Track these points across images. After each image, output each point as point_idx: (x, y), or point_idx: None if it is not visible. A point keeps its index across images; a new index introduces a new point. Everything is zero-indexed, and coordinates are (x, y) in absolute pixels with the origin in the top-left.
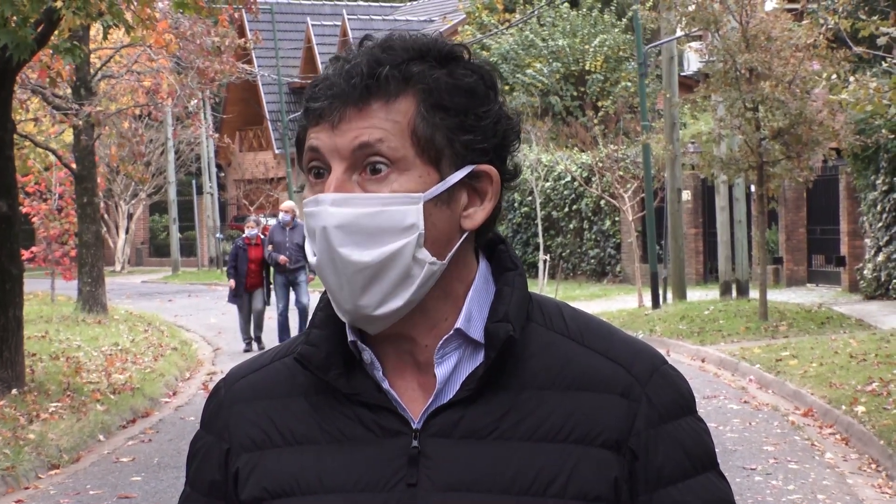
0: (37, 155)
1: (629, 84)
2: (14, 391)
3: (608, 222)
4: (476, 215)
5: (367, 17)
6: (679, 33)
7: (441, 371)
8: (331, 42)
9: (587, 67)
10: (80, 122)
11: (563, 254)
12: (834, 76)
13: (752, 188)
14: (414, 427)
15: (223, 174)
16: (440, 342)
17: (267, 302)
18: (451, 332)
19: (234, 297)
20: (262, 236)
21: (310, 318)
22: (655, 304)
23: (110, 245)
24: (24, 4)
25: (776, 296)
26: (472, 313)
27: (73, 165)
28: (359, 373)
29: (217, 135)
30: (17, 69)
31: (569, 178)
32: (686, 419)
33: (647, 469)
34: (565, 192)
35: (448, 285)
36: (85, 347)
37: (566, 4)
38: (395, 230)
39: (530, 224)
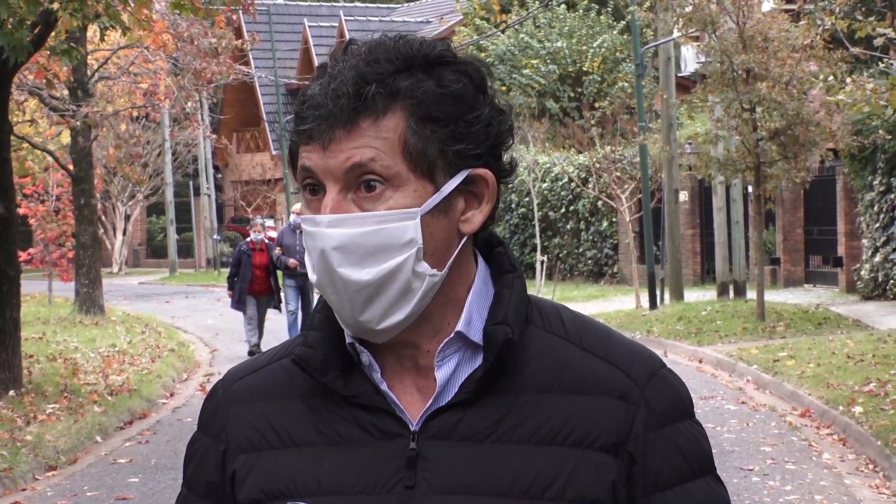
0: (34, 156)
1: (626, 85)
2: (11, 392)
3: (605, 223)
4: (474, 219)
5: (364, 18)
6: (676, 34)
7: (441, 374)
8: (328, 43)
9: (584, 69)
10: (78, 124)
11: (561, 255)
12: (831, 77)
13: (750, 189)
14: (412, 429)
15: (220, 175)
16: (441, 345)
17: (278, 307)
18: (452, 335)
19: (238, 302)
20: (267, 241)
21: None
22: (653, 304)
23: (107, 246)
24: (20, 6)
25: (773, 296)
26: (472, 316)
27: (71, 167)
28: (357, 375)
29: (214, 136)
30: (13, 71)
31: (566, 179)
32: (684, 423)
33: (644, 473)
34: (562, 193)
35: (450, 291)
36: (82, 349)
37: (563, 6)
38: (394, 247)
39: (527, 225)
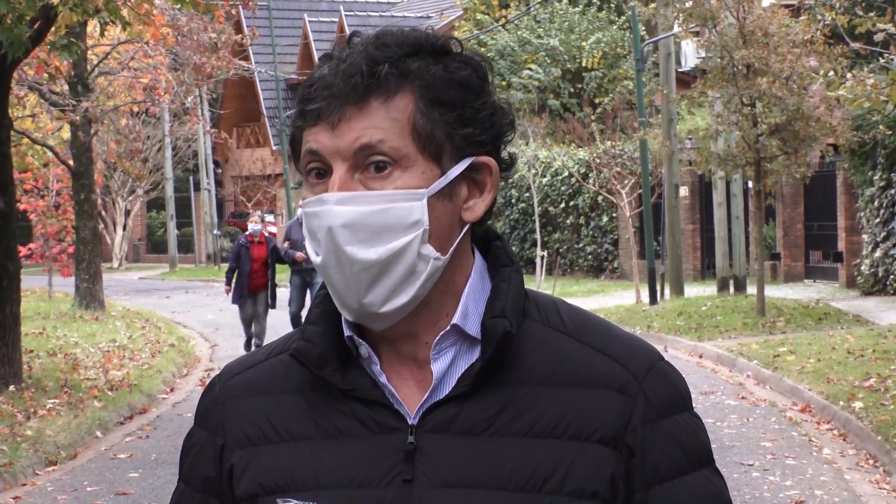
0: (34, 152)
1: (627, 81)
2: (11, 388)
3: (605, 218)
4: (477, 207)
5: (364, 13)
6: (676, 29)
7: (437, 367)
8: (328, 38)
9: (584, 64)
10: (78, 119)
11: (561, 250)
12: (831, 72)
13: (750, 184)
14: (410, 423)
15: (220, 171)
16: (437, 338)
17: (272, 305)
18: (448, 328)
19: (239, 297)
20: (266, 234)
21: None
22: (653, 299)
23: (108, 242)
24: (19, 2)
25: (773, 291)
26: (469, 309)
27: (71, 162)
28: (354, 369)
29: (214, 131)
30: (13, 66)
31: (566, 175)
32: (682, 416)
33: (643, 465)
34: (562, 189)
35: (450, 279)
36: (82, 344)
37: (563, 1)
38: (401, 227)
39: (527, 220)
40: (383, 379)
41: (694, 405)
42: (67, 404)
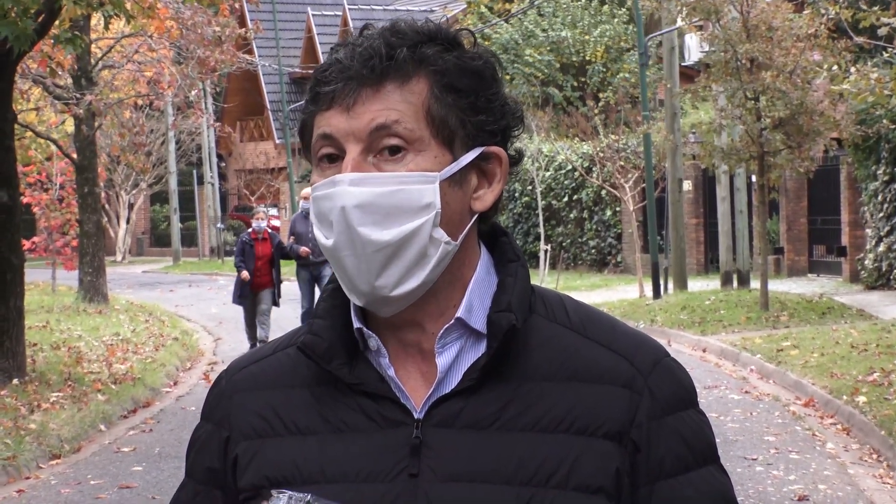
0: (38, 145)
1: (630, 74)
2: (15, 381)
3: (609, 212)
4: (486, 197)
5: (368, 6)
6: (680, 23)
7: (442, 361)
8: (331, 32)
9: (588, 58)
10: (81, 112)
11: (564, 244)
12: (835, 66)
13: (753, 178)
14: (416, 417)
15: (224, 164)
16: (441, 331)
17: (276, 303)
18: (452, 321)
19: (240, 297)
20: (270, 230)
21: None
22: (656, 294)
23: (111, 235)
24: None
25: (777, 286)
26: (473, 303)
27: (74, 155)
28: (361, 363)
29: (218, 124)
30: (17, 60)
31: (570, 168)
32: (688, 412)
33: (648, 461)
34: (566, 182)
35: (457, 269)
36: (86, 337)
37: None
38: (413, 209)
39: (531, 214)
40: (392, 372)
41: (699, 400)
42: (71, 398)
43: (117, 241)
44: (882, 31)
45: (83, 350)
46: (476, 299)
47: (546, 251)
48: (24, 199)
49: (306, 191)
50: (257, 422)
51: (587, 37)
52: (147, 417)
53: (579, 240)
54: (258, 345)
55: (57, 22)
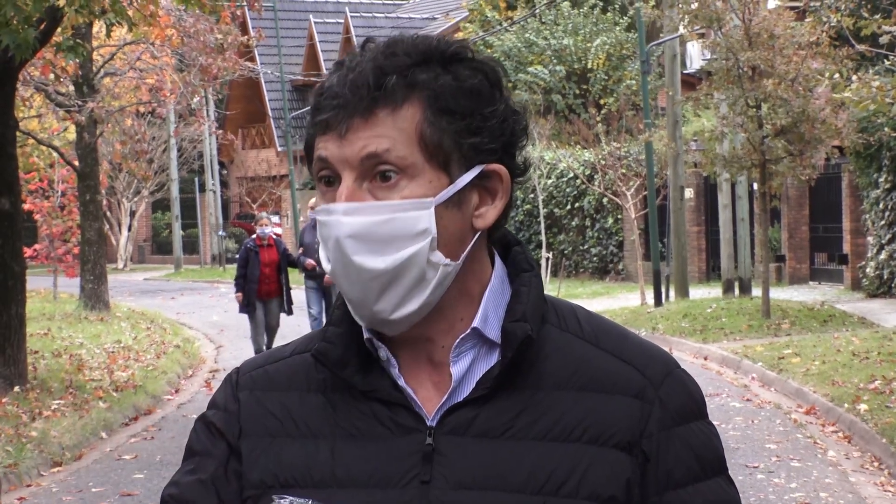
0: (40, 152)
1: (632, 82)
2: (17, 388)
3: (610, 220)
4: (488, 214)
5: (370, 14)
6: (682, 31)
7: (456, 370)
8: (333, 40)
9: (590, 66)
10: (83, 119)
11: (566, 251)
12: (836, 74)
13: (755, 186)
14: (429, 424)
15: (226, 172)
16: (457, 341)
17: (288, 311)
18: (468, 331)
19: (246, 306)
20: (275, 237)
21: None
22: (658, 301)
23: (113, 242)
24: (26, 4)
25: (779, 294)
26: (489, 313)
27: (76, 163)
28: (375, 370)
29: (220, 132)
30: (19, 67)
31: (571, 176)
32: (697, 423)
33: (657, 471)
34: (568, 190)
35: (464, 285)
36: (87, 345)
37: (567, 3)
38: (408, 236)
39: (533, 222)
40: (402, 382)
41: None
42: (72, 405)
43: (119, 249)
44: (884, 40)
45: (84, 357)
46: (491, 309)
47: (548, 259)
48: (26, 207)
49: (314, 200)
50: (269, 420)
51: (589, 45)
52: (148, 425)
53: (581, 247)
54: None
55: (59, 29)
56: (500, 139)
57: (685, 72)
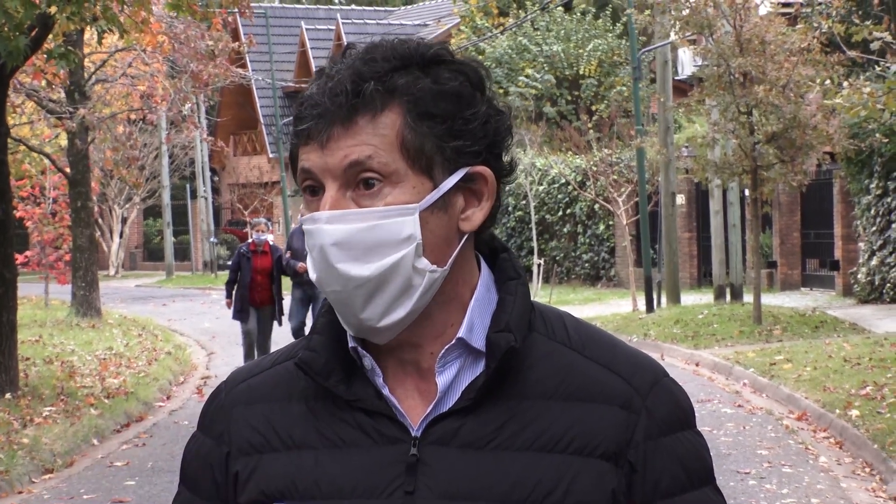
0: (31, 159)
1: (623, 88)
2: (8, 395)
3: (602, 226)
4: (474, 217)
5: (362, 21)
6: (673, 37)
7: (442, 380)
8: (325, 46)
9: (581, 72)
10: (74, 126)
11: (558, 258)
12: (828, 81)
13: (747, 192)
14: (413, 435)
15: (217, 178)
16: (442, 351)
17: (279, 322)
18: (453, 341)
19: (239, 311)
20: (272, 244)
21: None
22: (650, 308)
23: (104, 249)
24: (17, 10)
25: (770, 300)
26: (474, 322)
27: (67, 170)
28: (359, 379)
29: (211, 139)
30: (10, 74)
31: (563, 182)
32: (685, 433)
33: (644, 482)
34: (559, 197)
35: (452, 290)
36: (79, 352)
37: (560, 9)
38: (393, 242)
39: (524, 228)
40: (386, 391)
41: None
42: (64, 412)
43: (110, 256)
44: (874, 46)
45: (76, 364)
46: (477, 318)
47: (539, 265)
48: (18, 213)
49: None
50: (255, 436)
51: (581, 51)
52: (140, 432)
53: (573, 254)
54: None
55: (50, 36)
56: (482, 141)
57: (677, 78)
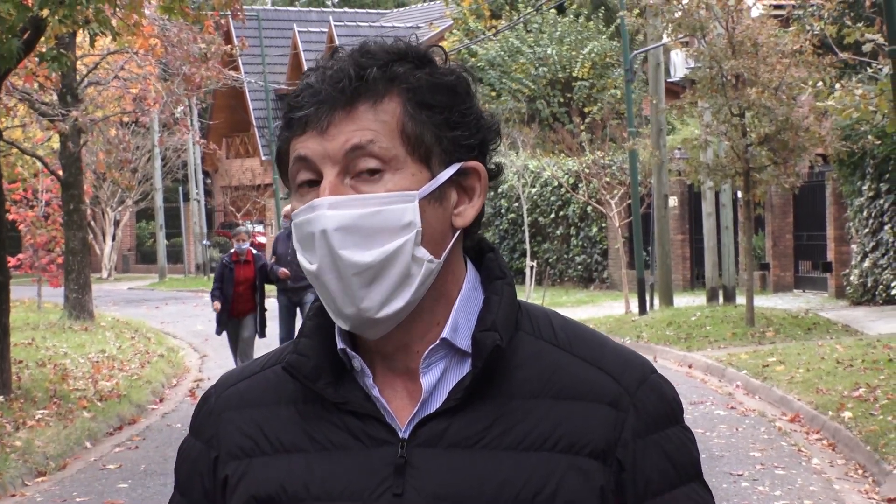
0: (24, 162)
1: (616, 90)
2: (0, 398)
3: (595, 228)
4: (466, 213)
5: (354, 23)
6: (666, 39)
7: (427, 380)
8: (317, 49)
9: (574, 74)
10: (67, 127)
11: (550, 260)
12: (820, 83)
13: (739, 194)
14: (401, 436)
15: (210, 181)
16: (426, 351)
17: (260, 333)
18: (437, 341)
19: (219, 325)
20: (255, 252)
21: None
22: (642, 310)
23: (97, 252)
24: (9, 13)
25: (763, 302)
26: (459, 322)
27: (60, 172)
28: (347, 382)
29: (204, 141)
30: (2, 77)
31: (555, 185)
32: (673, 429)
33: (634, 480)
34: (552, 199)
35: (442, 287)
36: (71, 354)
37: (553, 11)
38: (394, 229)
39: (517, 230)
40: (376, 392)
41: (684, 415)
42: (57, 415)
43: (103, 258)
44: (866, 48)
45: (69, 367)
46: (462, 318)
47: (532, 267)
48: (10, 216)
49: (287, 209)
50: (244, 441)
51: (574, 53)
52: (133, 434)
53: (565, 256)
54: None
55: (42, 39)
56: (477, 135)
57: (669, 80)
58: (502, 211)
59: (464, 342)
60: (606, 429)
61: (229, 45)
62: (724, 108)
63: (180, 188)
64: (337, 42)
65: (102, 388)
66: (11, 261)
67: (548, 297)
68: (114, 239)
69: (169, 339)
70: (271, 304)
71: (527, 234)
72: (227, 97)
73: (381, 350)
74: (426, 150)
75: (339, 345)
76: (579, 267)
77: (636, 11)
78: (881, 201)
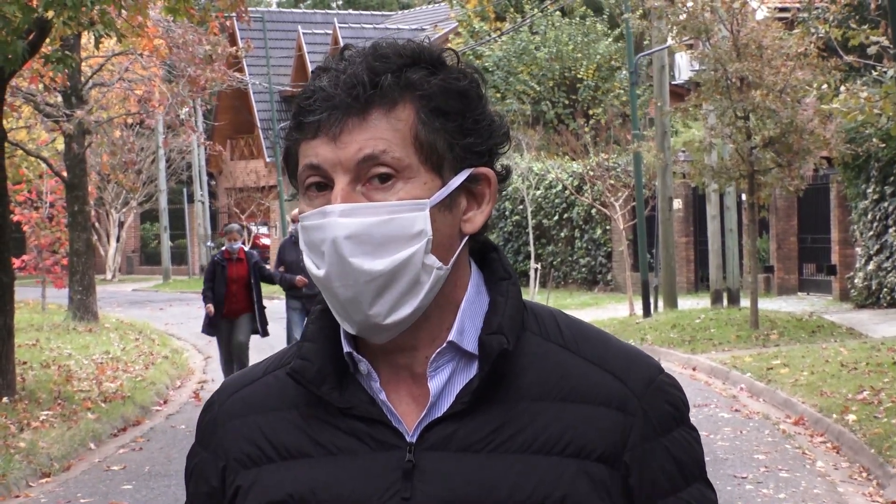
0: (28, 163)
1: (620, 93)
2: (5, 399)
3: (599, 231)
4: (476, 219)
5: (359, 25)
6: (670, 42)
7: (434, 384)
8: (322, 50)
9: (579, 76)
10: (72, 128)
11: (555, 262)
12: (825, 85)
13: (743, 197)
14: (408, 440)
15: (214, 182)
16: (433, 355)
17: (263, 333)
18: (444, 344)
19: (210, 326)
20: (247, 251)
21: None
22: (647, 312)
23: (101, 253)
24: (15, 15)
25: (767, 304)
26: (465, 325)
27: (65, 174)
28: (352, 386)
29: (208, 143)
30: (7, 78)
31: (560, 187)
32: (679, 430)
33: (641, 483)
34: (556, 201)
35: (449, 292)
36: (76, 356)
37: (558, 13)
38: (405, 237)
39: (521, 232)
40: (383, 396)
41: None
42: (61, 416)
43: (107, 260)
44: (871, 50)
45: (73, 368)
46: (468, 321)
47: (536, 270)
48: (15, 217)
49: (295, 212)
50: (251, 449)
51: (579, 55)
52: (137, 436)
53: (569, 258)
54: None
55: (47, 40)
56: (489, 141)
57: (673, 83)
58: (507, 213)
59: (470, 345)
60: (615, 433)
61: (234, 47)
62: (728, 110)
63: (184, 190)
64: (341, 44)
65: (106, 390)
66: (16, 262)
67: (552, 299)
68: (118, 240)
69: (173, 341)
70: (272, 305)
71: (531, 236)
72: (231, 99)
73: (387, 353)
74: (439, 157)
75: (346, 348)
76: (583, 269)
77: (640, 12)
78: (885, 204)
